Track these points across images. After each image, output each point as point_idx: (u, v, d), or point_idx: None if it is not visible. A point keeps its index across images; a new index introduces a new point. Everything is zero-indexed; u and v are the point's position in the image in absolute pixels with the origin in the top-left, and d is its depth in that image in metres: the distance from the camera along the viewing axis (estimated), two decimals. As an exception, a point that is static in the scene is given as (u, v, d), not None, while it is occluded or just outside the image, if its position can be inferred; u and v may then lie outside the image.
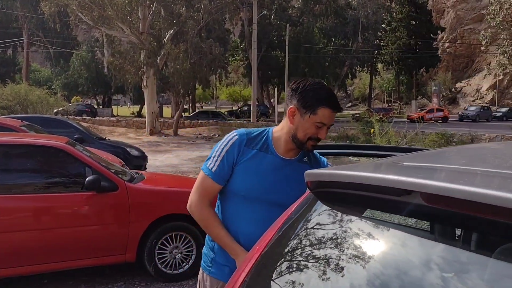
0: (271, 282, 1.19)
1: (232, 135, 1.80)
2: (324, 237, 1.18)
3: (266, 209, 1.68)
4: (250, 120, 25.48)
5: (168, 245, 4.32)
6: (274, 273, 1.22)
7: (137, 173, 5.00)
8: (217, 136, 22.18)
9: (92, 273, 4.45)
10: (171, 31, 23.97)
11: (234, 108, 52.16)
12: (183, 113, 30.21)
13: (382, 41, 47.80)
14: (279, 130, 1.81)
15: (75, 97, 52.89)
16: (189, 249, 4.40)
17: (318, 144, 1.79)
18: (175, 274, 4.35)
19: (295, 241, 1.25)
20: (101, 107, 45.03)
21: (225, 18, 33.94)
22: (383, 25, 46.01)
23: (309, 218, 1.27)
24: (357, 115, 30.79)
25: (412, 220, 1.39)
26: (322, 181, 1.24)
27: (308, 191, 1.32)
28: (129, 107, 55.98)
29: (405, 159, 1.37)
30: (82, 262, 4.11)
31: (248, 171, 1.74)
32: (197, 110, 38.30)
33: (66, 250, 4.00)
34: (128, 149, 10.12)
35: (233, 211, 1.79)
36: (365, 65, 45.80)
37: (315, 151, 1.88)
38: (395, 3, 46.83)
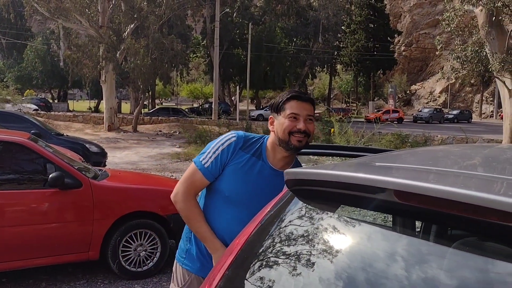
0: (251, 275, 1.27)
1: (230, 135, 1.85)
2: (299, 232, 1.27)
3: (246, 213, 1.65)
4: (211, 118, 25.38)
5: (132, 242, 4.30)
6: (254, 266, 1.29)
7: (100, 170, 4.94)
8: (177, 133, 21.98)
9: (54, 271, 4.37)
10: (132, 26, 23.55)
11: (195, 105, 51.79)
12: (142, 110, 29.73)
13: (342, 43, 48.82)
14: (269, 141, 1.86)
15: (28, 90, 50.80)
16: (154, 246, 4.41)
17: (306, 138, 1.79)
18: (139, 272, 4.34)
19: (273, 236, 1.32)
20: (56, 101, 43.52)
21: (187, 15, 33.69)
22: (343, 27, 46.98)
23: (286, 214, 1.35)
24: (317, 114, 31.37)
25: (381, 216, 1.51)
26: (299, 179, 1.32)
27: (286, 189, 1.41)
28: (83, 101, 54.49)
29: (376, 159, 1.48)
30: (43, 260, 4.03)
31: (236, 173, 1.79)
32: (157, 107, 37.70)
33: (27, 248, 3.92)
34: (87, 145, 9.91)
35: (214, 208, 1.84)
36: (325, 65, 46.65)
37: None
38: (355, 6, 47.97)
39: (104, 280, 4.29)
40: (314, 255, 1.19)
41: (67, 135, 11.41)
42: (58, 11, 23.26)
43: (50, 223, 3.98)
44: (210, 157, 1.80)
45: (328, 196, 1.25)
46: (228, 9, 33.67)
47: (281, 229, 1.32)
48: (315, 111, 1.89)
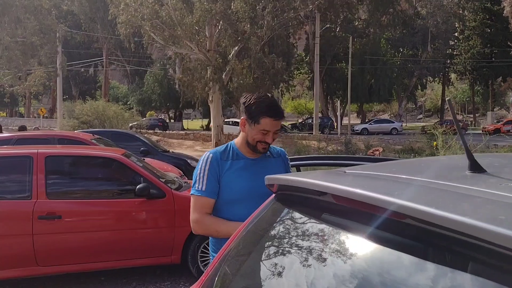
0: (235, 271, 1.48)
1: (207, 155, 2.15)
2: (273, 232, 1.46)
3: (257, 201, 1.84)
4: (312, 133, 25.56)
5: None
6: (237, 264, 1.50)
7: (186, 182, 5.45)
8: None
9: (143, 272, 4.92)
10: (236, 48, 24.83)
11: (300, 121, 52.35)
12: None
13: (455, 50, 45.83)
14: (240, 140, 2.18)
15: (149, 112, 55.95)
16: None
17: (268, 147, 2.14)
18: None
19: (256, 236, 1.53)
20: (172, 121, 47.28)
21: (290, 33, 34.50)
22: (455, 34, 44.18)
23: (267, 216, 1.55)
24: (426, 127, 29.78)
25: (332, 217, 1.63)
26: (271, 184, 1.52)
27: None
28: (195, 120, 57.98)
29: (354, 168, 1.61)
30: (134, 262, 4.59)
31: (232, 178, 2.08)
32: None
33: (121, 250, 4.50)
34: (189, 160, 10.75)
35: (224, 215, 2.10)
36: (436, 75, 44.13)
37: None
38: (468, 11, 44.75)
39: (185, 283, 4.72)
40: (286, 253, 1.38)
41: (173, 152, 12.48)
42: (171, 39, 25.46)
43: (138, 229, 4.54)
44: (203, 181, 2.08)
45: (293, 199, 1.43)
46: (329, 25, 33.74)
47: (259, 230, 1.52)
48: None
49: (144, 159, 7.30)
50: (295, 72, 47.78)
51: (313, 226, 1.35)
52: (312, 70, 41.39)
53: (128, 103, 43.82)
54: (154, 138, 27.04)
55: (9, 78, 18.90)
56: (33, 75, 20.58)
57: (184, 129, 40.31)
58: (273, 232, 1.46)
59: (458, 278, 0.89)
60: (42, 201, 4.39)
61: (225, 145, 2.21)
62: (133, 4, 24.22)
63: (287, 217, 1.47)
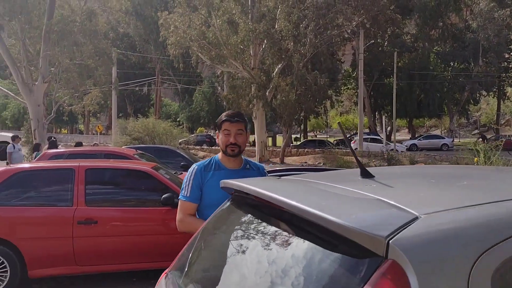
0: (191, 259, 1.91)
1: (193, 168, 2.66)
2: (220, 227, 1.88)
3: None
4: (357, 148, 25.50)
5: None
6: (193, 252, 1.93)
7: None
8: (321, 164, 22.67)
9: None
10: (280, 65, 25.39)
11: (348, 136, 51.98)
12: (294, 142, 31.26)
13: (510, 63, 44.04)
14: (220, 153, 2.67)
15: (199, 128, 57.62)
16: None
17: (237, 148, 2.59)
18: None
19: (208, 232, 1.95)
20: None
21: (334, 49, 34.72)
22: (510, 47, 42.53)
23: (222, 212, 1.97)
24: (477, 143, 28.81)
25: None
26: (227, 187, 1.94)
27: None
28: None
29: (296, 175, 2.01)
30: (160, 264, 5.08)
31: (213, 186, 2.49)
32: (303, 140, 39.17)
33: (149, 253, 5.04)
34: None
35: (204, 216, 2.53)
36: (490, 89, 42.56)
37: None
38: (523, 21, 42.99)
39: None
40: (226, 238, 1.79)
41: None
42: (217, 58, 26.46)
43: (164, 234, 5.05)
44: (188, 188, 2.59)
45: (239, 199, 1.84)
46: (373, 40, 33.64)
47: (213, 222, 1.95)
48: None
49: (182, 173, 7.89)
50: (342, 88, 47.76)
51: (246, 218, 1.76)
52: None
53: (177, 120, 45.50)
54: (201, 154, 27.99)
55: (67, 98, 20.51)
56: (90, 95, 22.07)
57: (231, 145, 41.19)
58: (221, 224, 1.89)
59: (303, 241, 1.30)
60: (81, 208, 5.03)
61: (209, 159, 2.69)
62: (182, 26, 25.46)
63: (233, 211, 1.89)
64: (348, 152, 23.14)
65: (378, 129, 46.64)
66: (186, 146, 28.72)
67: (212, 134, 50.73)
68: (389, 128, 40.62)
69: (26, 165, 6.05)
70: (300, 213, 1.27)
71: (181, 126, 39.12)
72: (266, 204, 1.51)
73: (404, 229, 1.11)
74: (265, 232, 1.56)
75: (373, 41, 33.32)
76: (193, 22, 25.52)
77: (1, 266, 4.87)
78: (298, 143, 36.93)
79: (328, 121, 62.09)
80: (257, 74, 25.36)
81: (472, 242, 1.09)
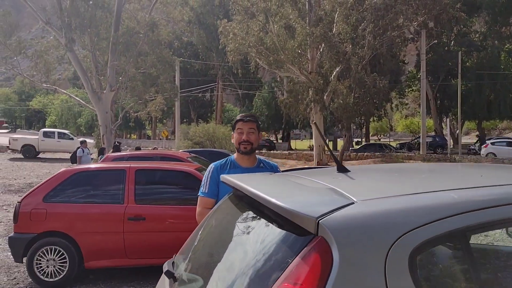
0: (193, 246, 2.14)
1: (210, 167, 2.92)
2: (217, 219, 2.11)
3: None
4: (419, 152, 24.69)
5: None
6: (195, 240, 2.17)
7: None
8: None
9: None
10: (338, 69, 25.21)
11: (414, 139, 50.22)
12: (356, 146, 30.88)
13: None
14: (236, 153, 2.87)
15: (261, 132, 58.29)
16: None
17: (250, 145, 2.81)
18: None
19: (208, 222, 2.18)
20: (280, 141, 48.69)
21: (396, 50, 33.81)
22: None
23: (223, 205, 2.19)
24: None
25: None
26: (224, 182, 2.16)
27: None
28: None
29: (292, 172, 2.19)
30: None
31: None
32: (364, 143, 38.39)
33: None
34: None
35: None
36: None
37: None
38: None
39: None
40: (222, 226, 2.01)
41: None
42: (275, 63, 26.80)
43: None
44: (206, 185, 2.84)
45: (236, 192, 2.06)
46: (436, 40, 32.36)
47: (212, 218, 2.18)
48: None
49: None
50: (406, 90, 46.34)
51: (234, 208, 1.98)
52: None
53: (238, 124, 46.33)
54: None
55: (132, 105, 21.78)
56: (154, 101, 23.24)
57: (291, 149, 41.39)
58: (218, 214, 2.12)
59: (266, 224, 1.50)
60: (131, 205, 5.48)
61: (226, 158, 2.92)
62: (240, 33, 26.06)
63: (228, 204, 2.11)
64: (411, 156, 22.52)
65: (444, 132, 44.66)
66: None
67: (272, 139, 51.23)
68: (457, 131, 38.78)
69: (83, 166, 6.65)
70: (258, 199, 1.47)
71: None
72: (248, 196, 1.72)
73: (336, 211, 1.28)
74: (246, 219, 1.77)
75: (435, 41, 32.06)
76: (251, 28, 26.02)
77: (61, 258, 5.42)
78: (358, 147, 36.29)
79: (392, 124, 60.44)
80: (315, 77, 25.35)
81: (393, 225, 1.24)
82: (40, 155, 29.37)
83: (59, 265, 5.42)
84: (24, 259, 5.51)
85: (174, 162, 7.73)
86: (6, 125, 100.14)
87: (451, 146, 35.86)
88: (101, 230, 5.46)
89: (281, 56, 25.67)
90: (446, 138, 37.54)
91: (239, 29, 26.32)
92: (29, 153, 28.36)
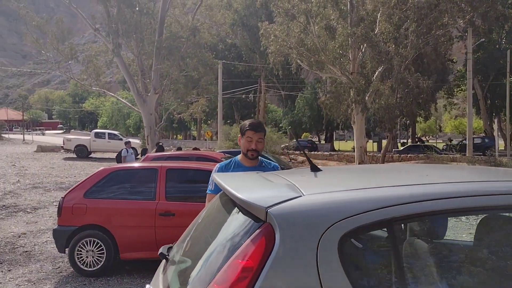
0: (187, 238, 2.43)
1: (216, 167, 3.25)
2: (207, 213, 2.39)
3: None
4: (465, 154, 23.94)
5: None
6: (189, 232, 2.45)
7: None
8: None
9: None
10: (380, 69, 24.91)
11: (466, 141, 48.46)
12: (401, 147, 30.27)
13: None
14: (241, 154, 3.12)
15: (304, 133, 58.25)
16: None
17: (256, 153, 3.09)
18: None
19: (201, 216, 2.47)
20: (323, 142, 48.43)
21: (442, 49, 32.88)
22: None
23: (215, 202, 2.47)
24: None
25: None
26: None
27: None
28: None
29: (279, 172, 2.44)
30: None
31: None
32: (408, 144, 37.50)
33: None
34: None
35: None
36: None
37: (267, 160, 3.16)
38: None
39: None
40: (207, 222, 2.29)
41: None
42: (316, 64, 26.83)
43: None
44: (212, 183, 3.13)
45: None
46: (483, 39, 31.17)
47: (207, 209, 2.46)
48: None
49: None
50: (455, 89, 44.87)
51: (220, 203, 2.24)
52: (473, 87, 38.43)
53: (280, 125, 46.58)
54: (300, 158, 28.51)
55: (175, 107, 22.57)
56: (197, 103, 23.94)
57: (334, 150, 41.10)
58: (210, 208, 2.40)
59: (236, 212, 1.77)
60: (162, 202, 5.88)
61: (230, 159, 3.21)
62: (281, 35, 26.26)
63: (218, 199, 2.38)
64: (456, 158, 21.93)
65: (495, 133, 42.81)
66: (286, 151, 29.46)
67: (314, 140, 51.05)
68: (496, 132, 37.11)
69: (120, 165, 7.15)
70: (227, 193, 1.75)
71: (283, 132, 40.12)
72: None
73: (283, 203, 1.53)
74: (227, 211, 2.04)
75: (483, 39, 30.89)
76: (292, 30, 26.16)
77: (99, 249, 5.90)
78: (402, 148, 35.55)
79: (441, 125, 58.61)
80: (356, 78, 25.16)
81: (327, 215, 1.48)
82: (92, 155, 30.89)
83: (97, 256, 5.91)
84: (67, 250, 6.04)
85: (206, 162, 8.11)
86: (61, 126, 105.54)
87: (502, 148, 34.38)
88: (134, 224, 5.90)
89: (322, 57, 25.65)
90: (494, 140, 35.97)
91: (280, 30, 26.51)
92: (82, 153, 29.87)
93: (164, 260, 2.27)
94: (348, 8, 25.51)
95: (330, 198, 1.54)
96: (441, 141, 57.47)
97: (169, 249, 2.39)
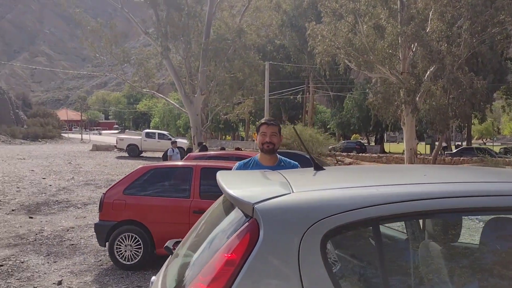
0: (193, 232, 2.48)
1: (235, 165, 3.27)
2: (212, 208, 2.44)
3: None
4: (523, 158, 22.66)
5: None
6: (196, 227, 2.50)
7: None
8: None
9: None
10: (431, 69, 24.09)
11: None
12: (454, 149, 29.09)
13: None
14: (259, 153, 3.15)
15: (354, 135, 57.25)
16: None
17: (272, 145, 3.16)
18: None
19: (208, 211, 2.51)
20: (372, 144, 47.38)
21: (498, 47, 31.27)
22: None
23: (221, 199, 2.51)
24: None
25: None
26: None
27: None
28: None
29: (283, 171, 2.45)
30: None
31: None
32: (461, 147, 35.93)
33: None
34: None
35: None
36: None
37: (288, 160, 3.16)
38: None
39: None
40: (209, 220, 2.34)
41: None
42: (364, 64, 26.35)
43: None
44: None
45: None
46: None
47: (210, 209, 2.51)
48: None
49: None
50: (515, 90, 42.52)
51: (225, 198, 2.29)
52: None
53: (327, 126, 46.03)
54: (347, 160, 28.07)
55: (221, 108, 22.91)
56: (243, 104, 24.19)
57: (383, 152, 40.14)
58: (215, 204, 2.45)
59: (233, 208, 1.80)
60: (196, 200, 6.02)
61: (250, 158, 3.24)
62: (328, 35, 26.01)
63: (222, 199, 2.42)
64: (511, 162, 20.83)
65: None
66: (333, 152, 29.12)
67: (363, 141, 50.02)
68: None
69: (157, 164, 7.38)
70: (222, 190, 1.79)
71: (330, 133, 39.61)
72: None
73: (270, 200, 1.55)
74: (226, 207, 2.09)
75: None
76: (339, 30, 25.83)
77: (136, 244, 6.13)
78: (455, 150, 34.14)
79: (499, 127, 55.81)
80: (406, 78, 24.46)
81: (312, 212, 1.49)
82: (143, 154, 31.99)
83: (135, 250, 6.14)
84: (107, 244, 6.31)
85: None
86: (117, 126, 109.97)
87: None
88: (170, 221, 6.08)
89: (371, 57, 25.16)
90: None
91: (327, 31, 26.24)
92: (133, 152, 31.02)
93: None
94: (398, 6, 24.85)
95: (316, 196, 1.54)
96: (499, 143, 54.66)
97: (176, 243, 2.46)
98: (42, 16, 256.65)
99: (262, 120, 3.28)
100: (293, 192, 1.58)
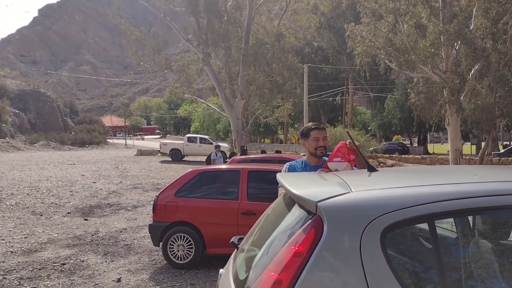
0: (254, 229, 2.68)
1: (286, 165, 3.44)
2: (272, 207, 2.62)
3: None
4: None
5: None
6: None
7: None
8: None
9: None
10: (476, 67, 23.45)
11: None
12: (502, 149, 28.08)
13: None
14: (307, 155, 3.38)
15: (395, 136, 56.21)
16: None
17: (325, 150, 3.34)
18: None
19: (269, 208, 2.70)
20: (415, 145, 46.38)
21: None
22: None
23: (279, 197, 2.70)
24: None
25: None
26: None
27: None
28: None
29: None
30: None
31: None
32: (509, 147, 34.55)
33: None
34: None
35: None
36: None
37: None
38: None
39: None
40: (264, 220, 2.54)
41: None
42: (406, 64, 25.94)
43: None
44: None
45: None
46: None
47: (271, 207, 2.70)
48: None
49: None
50: None
51: (286, 197, 2.48)
52: None
53: (368, 128, 45.42)
54: (389, 162, 27.66)
55: (260, 112, 23.20)
56: (282, 107, 24.36)
57: (427, 153, 39.24)
58: (276, 202, 2.64)
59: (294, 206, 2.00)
60: (244, 202, 6.25)
61: (299, 159, 3.42)
62: (368, 35, 25.79)
63: (283, 195, 2.61)
64: None
65: None
66: (375, 154, 28.77)
67: (405, 142, 49.00)
68: None
69: (206, 167, 7.67)
70: (285, 190, 1.98)
71: (371, 135, 39.08)
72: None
73: (332, 198, 1.74)
74: (288, 205, 2.27)
75: None
76: (379, 30, 25.57)
77: (188, 244, 6.42)
78: (503, 151, 32.92)
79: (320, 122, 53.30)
80: (450, 77, 23.90)
81: (371, 209, 1.66)
82: (185, 158, 32.75)
83: (187, 250, 6.44)
84: (161, 244, 6.65)
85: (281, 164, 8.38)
86: (158, 131, 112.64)
87: None
88: (219, 222, 6.34)
89: (412, 56, 24.75)
90: None
91: (367, 31, 26.02)
92: (176, 156, 31.82)
93: (235, 249, 2.56)
94: (440, 4, 24.35)
95: (374, 195, 1.71)
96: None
97: (240, 239, 2.67)
98: (86, 26, 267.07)
99: (310, 125, 3.43)
100: (352, 191, 1.75)
